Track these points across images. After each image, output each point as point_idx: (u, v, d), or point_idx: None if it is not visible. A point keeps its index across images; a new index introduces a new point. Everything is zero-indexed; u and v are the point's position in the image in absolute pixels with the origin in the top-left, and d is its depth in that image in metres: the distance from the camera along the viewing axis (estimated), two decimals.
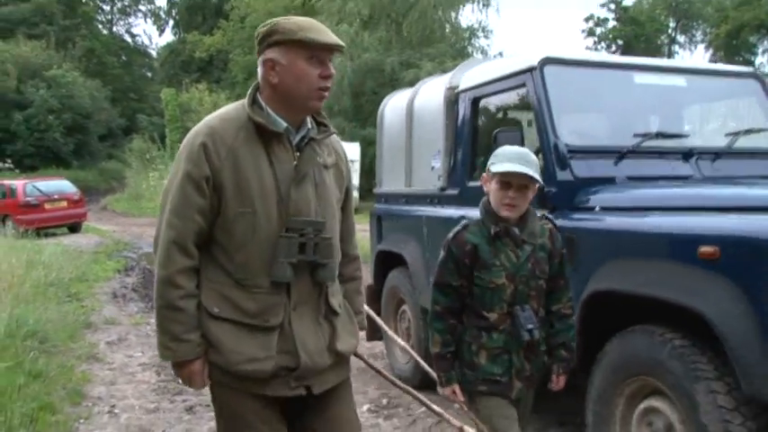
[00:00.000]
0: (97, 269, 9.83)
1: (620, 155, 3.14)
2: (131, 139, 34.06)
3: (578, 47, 54.81)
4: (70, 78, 34.03)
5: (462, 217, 3.73)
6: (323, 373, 1.96)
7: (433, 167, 4.09)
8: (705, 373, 2.29)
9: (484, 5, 20.14)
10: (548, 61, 3.24)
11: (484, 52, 22.08)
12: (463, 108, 3.83)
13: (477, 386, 2.32)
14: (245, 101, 1.92)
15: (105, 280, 9.12)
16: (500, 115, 3.73)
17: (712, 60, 42.91)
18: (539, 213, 2.37)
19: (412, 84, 15.82)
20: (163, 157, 26.76)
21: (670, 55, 46.95)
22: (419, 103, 4.41)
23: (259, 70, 1.90)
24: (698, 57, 52.95)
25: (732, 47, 40.15)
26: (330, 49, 1.84)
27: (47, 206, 15.53)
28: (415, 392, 2.59)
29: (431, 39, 19.91)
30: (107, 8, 49.37)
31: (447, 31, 20.11)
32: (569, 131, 3.14)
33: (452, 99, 3.94)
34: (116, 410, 4.18)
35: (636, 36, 44.60)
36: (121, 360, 5.37)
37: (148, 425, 3.94)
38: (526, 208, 2.27)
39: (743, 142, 3.59)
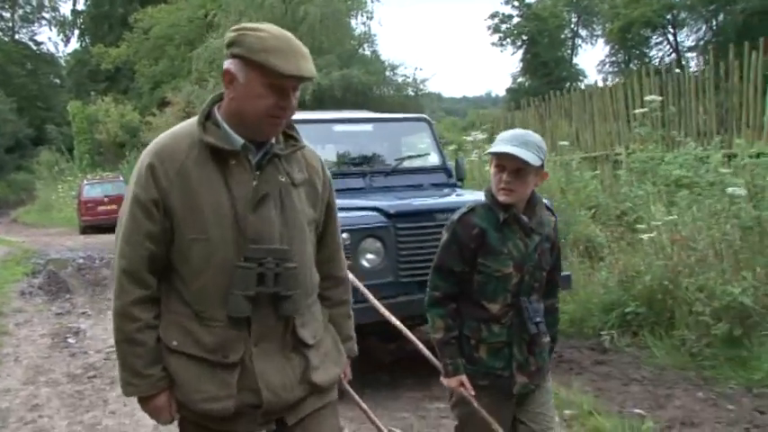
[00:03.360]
0: (6, 274, 11.78)
1: None
2: (40, 150, 35.31)
3: (484, 42, 58.35)
4: None
5: None
6: (297, 405, 1.91)
7: None
8: None
9: (368, 18, 22.71)
10: None
11: (371, 60, 24.53)
12: None
13: (476, 380, 2.30)
14: None
15: (14, 282, 11.10)
16: None
17: (611, 54, 46.79)
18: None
19: (302, 93, 19.55)
20: (72, 169, 28.35)
21: (573, 49, 50.81)
22: None
23: None
24: (598, 50, 57.71)
25: (626, 40, 43.92)
26: (294, 78, 1.74)
27: None
28: None
29: (321, 50, 22.18)
30: (7, 15, 49.88)
31: (334, 42, 22.40)
32: None
33: None
34: (20, 359, 6.37)
35: (539, 32, 48.10)
36: (26, 333, 7.51)
37: (41, 364, 6.16)
38: (527, 194, 2.26)
39: (413, 162, 6.07)
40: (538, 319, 2.27)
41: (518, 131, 2.30)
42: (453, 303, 2.32)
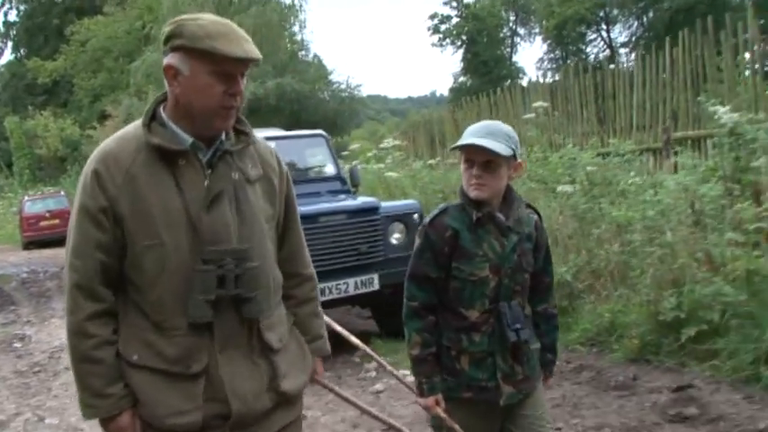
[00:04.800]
0: None
1: None
2: None
3: (427, 43, 60.04)
4: None
5: None
6: (266, 417, 1.88)
7: None
8: None
9: (301, 27, 23.91)
10: None
11: (312, 66, 25.57)
12: None
13: (461, 393, 2.21)
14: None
15: None
16: None
17: (548, 51, 48.56)
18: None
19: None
20: (12, 185, 28.73)
21: (513, 47, 52.58)
22: None
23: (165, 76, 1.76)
24: (536, 48, 60.09)
25: (562, 38, 45.76)
26: (242, 62, 1.71)
27: None
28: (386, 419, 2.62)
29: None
30: None
31: (269, 52, 23.39)
32: None
33: None
34: None
35: (478, 31, 49.71)
36: None
37: None
38: (501, 188, 2.18)
39: (311, 173, 7.17)
40: (518, 326, 2.15)
41: (485, 123, 2.21)
42: (432, 315, 2.23)
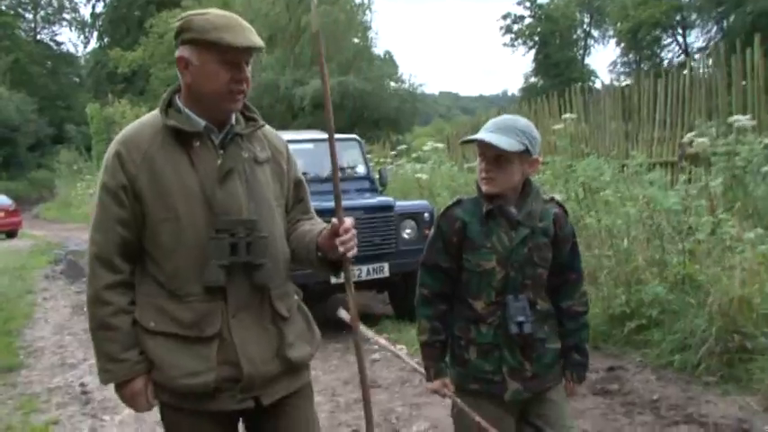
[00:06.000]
0: (33, 262, 14.24)
1: None
2: (60, 149, 38.13)
3: (497, 42, 60.32)
4: None
5: None
6: (272, 383, 2.00)
7: None
8: None
9: (362, 42, 25.06)
10: None
11: (385, 62, 26.79)
12: None
13: (468, 384, 2.26)
14: None
15: (40, 268, 13.54)
16: None
17: (623, 54, 48.32)
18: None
19: (302, 99, 21.44)
20: (90, 168, 30.95)
21: (585, 49, 52.52)
22: None
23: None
24: (610, 51, 59.63)
25: (637, 41, 45.52)
26: (246, 51, 1.87)
27: None
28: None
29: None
30: (29, 16, 52.94)
31: (333, 51, 24.71)
32: None
33: None
34: (48, 321, 8.70)
35: (551, 32, 49.92)
36: (52, 305, 9.86)
37: (64, 323, 8.46)
38: (513, 183, 2.19)
39: (346, 173, 8.27)
40: (521, 319, 2.16)
41: (503, 117, 2.24)
42: (443, 304, 2.28)
